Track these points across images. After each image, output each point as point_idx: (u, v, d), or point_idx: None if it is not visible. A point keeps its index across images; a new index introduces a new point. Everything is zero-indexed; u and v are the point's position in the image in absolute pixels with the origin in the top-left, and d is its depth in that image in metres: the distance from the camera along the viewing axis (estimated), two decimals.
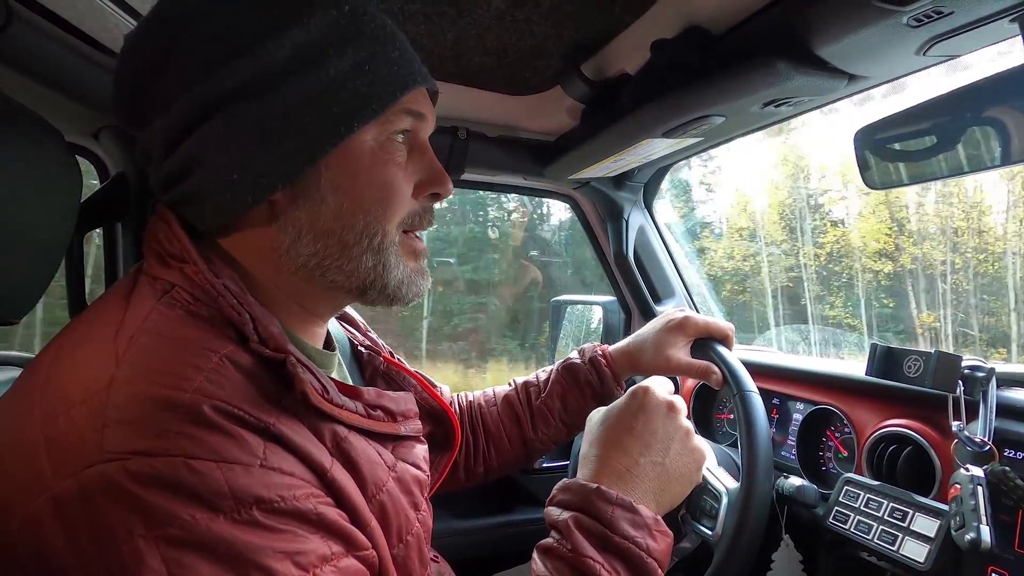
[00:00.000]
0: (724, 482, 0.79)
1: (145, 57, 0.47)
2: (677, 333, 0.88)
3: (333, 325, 0.71)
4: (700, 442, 0.66)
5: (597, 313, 1.52)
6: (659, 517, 0.57)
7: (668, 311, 0.93)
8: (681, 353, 0.87)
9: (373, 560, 0.45)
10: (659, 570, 0.54)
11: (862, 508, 0.74)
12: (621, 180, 1.25)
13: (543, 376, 0.93)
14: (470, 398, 0.95)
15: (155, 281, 0.47)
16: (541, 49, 0.86)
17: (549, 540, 0.56)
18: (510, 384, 0.95)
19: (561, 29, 0.81)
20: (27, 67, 0.65)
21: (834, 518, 0.76)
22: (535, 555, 0.55)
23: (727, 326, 0.89)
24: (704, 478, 0.80)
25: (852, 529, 0.73)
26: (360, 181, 0.50)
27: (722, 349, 0.85)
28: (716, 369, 0.83)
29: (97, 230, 0.98)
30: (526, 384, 0.93)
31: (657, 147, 0.95)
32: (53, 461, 0.36)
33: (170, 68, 0.46)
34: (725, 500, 0.77)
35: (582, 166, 1.07)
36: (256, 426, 0.41)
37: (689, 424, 0.66)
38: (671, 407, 0.65)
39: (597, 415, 0.68)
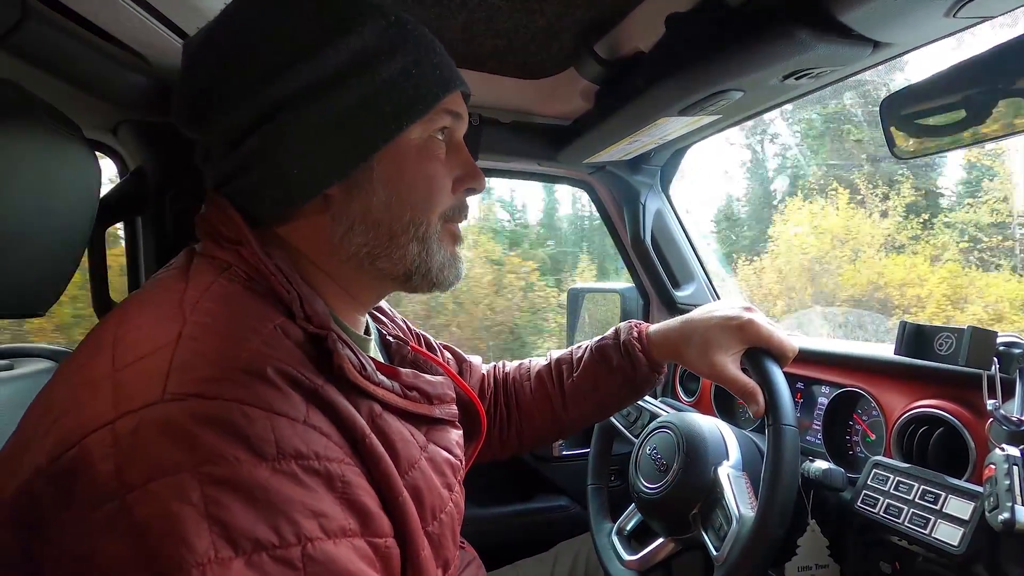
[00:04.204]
0: (740, 506, 0.75)
1: (211, 63, 0.51)
2: (734, 336, 0.78)
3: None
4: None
5: (615, 300, 1.51)
6: None
7: (734, 305, 0.81)
8: (730, 360, 0.77)
9: (385, 550, 0.45)
10: None
11: (892, 491, 0.72)
12: (637, 163, 1.23)
13: (578, 353, 0.90)
14: (506, 370, 0.94)
15: (213, 260, 0.51)
16: (553, 30, 0.85)
17: None
18: (546, 358, 0.93)
19: (573, 9, 0.79)
20: (45, 62, 0.66)
21: (863, 502, 0.74)
22: None
23: (790, 346, 0.78)
24: (722, 490, 0.77)
25: (882, 513, 0.71)
26: (407, 176, 0.54)
27: (774, 369, 0.74)
28: (761, 398, 0.73)
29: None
30: (559, 361, 0.91)
31: (674, 126, 0.93)
32: (118, 399, 0.38)
33: (235, 73, 0.50)
34: (736, 527, 0.73)
35: (597, 149, 1.06)
36: (304, 386, 0.43)
37: None
38: None
39: None
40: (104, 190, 0.76)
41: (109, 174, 0.92)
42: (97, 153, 0.77)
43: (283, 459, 0.39)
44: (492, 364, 0.96)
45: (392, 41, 0.52)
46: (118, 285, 0.98)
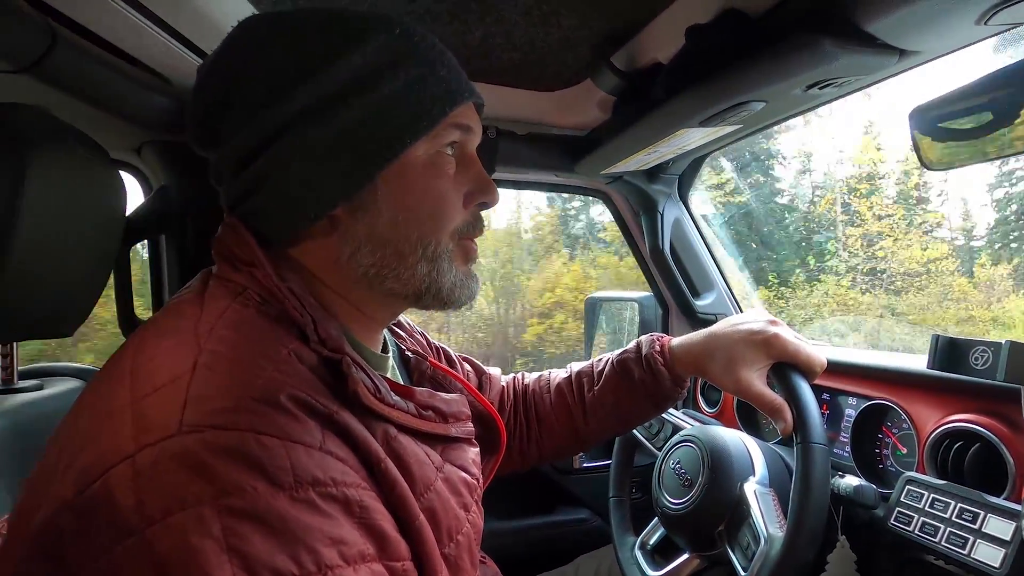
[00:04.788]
0: (768, 525, 0.72)
1: (216, 86, 0.51)
2: (759, 351, 0.75)
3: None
4: None
5: (633, 309, 1.49)
6: None
7: (758, 318, 0.79)
8: (756, 376, 0.75)
9: (403, 574, 0.45)
10: None
11: (926, 509, 0.70)
12: (655, 173, 1.22)
13: (599, 366, 0.89)
14: (525, 382, 0.93)
15: (228, 283, 0.50)
16: (569, 42, 0.85)
17: None
18: (566, 370, 0.92)
19: (590, 21, 0.79)
20: (72, 87, 0.67)
21: (896, 519, 0.72)
22: None
23: (819, 361, 0.75)
24: (749, 507, 0.75)
25: (917, 532, 0.69)
26: (414, 193, 0.53)
27: (802, 385, 0.72)
28: (789, 415, 0.71)
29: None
30: (580, 374, 0.90)
31: (693, 137, 0.92)
32: (137, 432, 0.38)
33: (239, 96, 0.50)
34: (764, 547, 0.71)
35: (615, 160, 1.05)
36: (319, 412, 0.43)
37: None
38: None
39: None
40: (128, 209, 0.78)
41: (133, 193, 0.93)
42: (122, 172, 0.78)
43: (301, 487, 0.39)
44: (511, 376, 0.95)
45: (395, 56, 0.50)
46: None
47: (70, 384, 0.79)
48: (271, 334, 0.46)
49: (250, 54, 0.50)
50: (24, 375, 0.78)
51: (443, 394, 0.58)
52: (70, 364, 0.84)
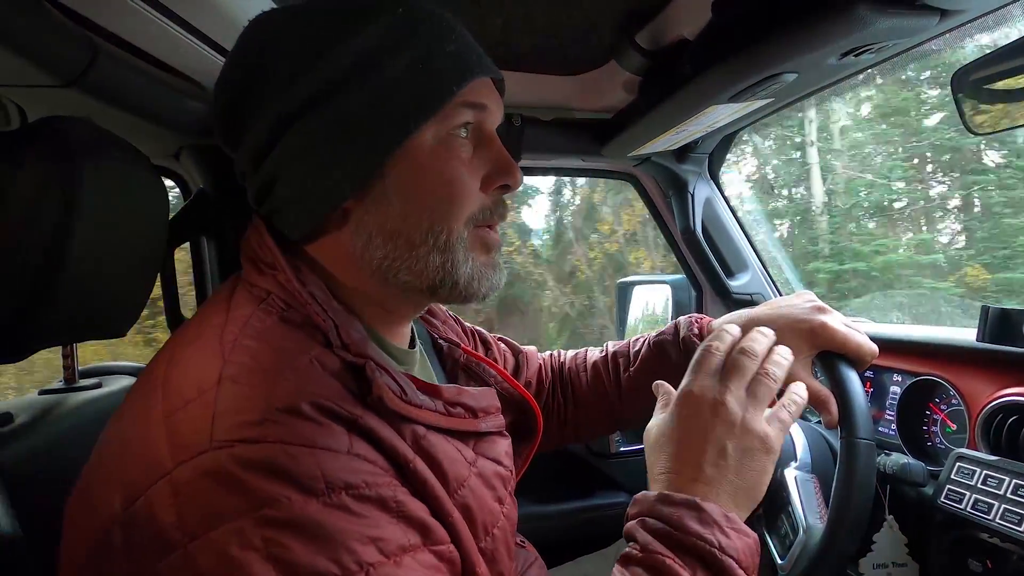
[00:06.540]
0: (808, 515, 0.70)
1: (230, 85, 0.51)
2: (805, 341, 0.70)
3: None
4: (763, 427, 0.54)
5: (665, 292, 1.48)
6: (732, 515, 0.50)
7: (803, 304, 0.73)
8: (800, 366, 0.69)
9: (450, 556, 0.46)
10: (739, 568, 0.47)
11: (979, 486, 0.68)
12: (684, 152, 1.19)
13: (635, 347, 0.87)
14: (562, 359, 0.93)
15: (253, 288, 0.50)
16: (592, 24, 0.84)
17: (626, 549, 0.52)
18: (601, 350, 0.91)
19: (612, 1, 0.78)
20: (113, 97, 0.70)
21: (947, 497, 0.70)
22: (615, 569, 0.51)
23: (869, 349, 0.69)
24: (788, 495, 0.73)
25: (969, 509, 0.67)
26: (422, 181, 0.50)
27: (849, 376, 0.67)
28: (834, 407, 0.66)
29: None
30: (616, 354, 0.88)
31: (722, 113, 0.90)
32: (172, 450, 0.39)
33: (251, 92, 0.50)
34: (802, 537, 0.69)
35: (643, 141, 1.04)
36: (344, 418, 0.43)
37: (739, 422, 0.53)
38: (714, 406, 0.54)
39: (652, 431, 0.59)
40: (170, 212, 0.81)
41: (173, 196, 0.97)
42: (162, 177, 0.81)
43: (333, 492, 0.39)
44: (548, 353, 0.95)
45: (397, 37, 0.48)
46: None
47: (124, 382, 0.83)
48: (293, 342, 0.46)
49: (258, 50, 0.50)
50: (84, 374, 0.82)
51: (471, 389, 0.57)
52: (126, 363, 0.88)
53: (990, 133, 0.60)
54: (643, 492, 0.54)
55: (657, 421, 0.59)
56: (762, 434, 0.53)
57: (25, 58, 0.55)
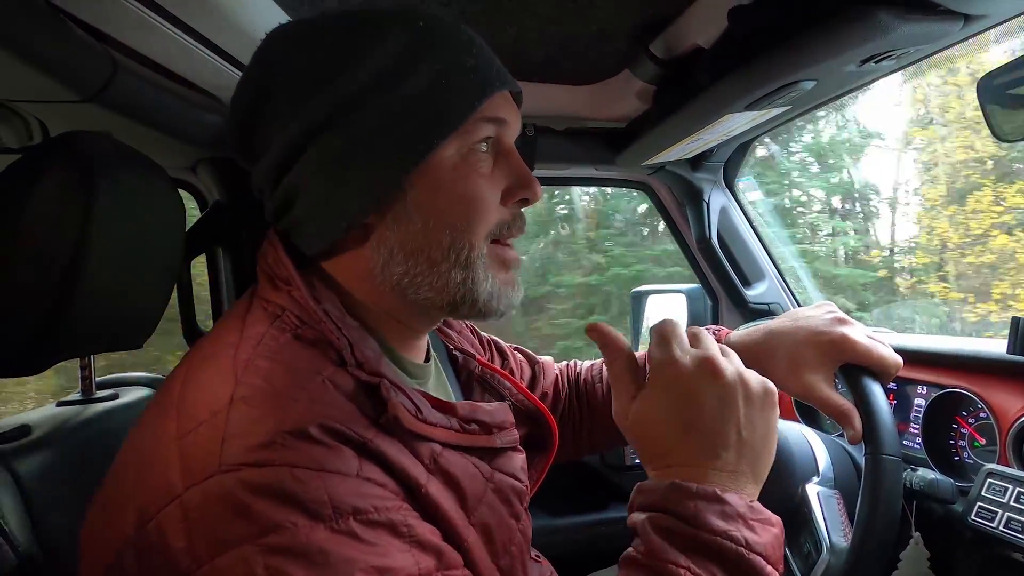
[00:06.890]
0: (832, 534, 0.68)
1: (247, 101, 0.51)
2: (826, 354, 0.67)
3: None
4: (756, 375, 0.52)
5: (680, 301, 1.46)
6: (755, 503, 0.46)
7: (823, 315, 0.71)
8: (821, 379, 0.67)
9: None
10: (767, 566, 0.44)
11: (1012, 504, 0.65)
12: (698, 161, 1.19)
13: None
14: (578, 369, 0.92)
15: (267, 304, 0.50)
16: (606, 34, 0.83)
17: (629, 549, 0.48)
18: None
19: (625, 10, 0.77)
20: (132, 111, 0.71)
21: (977, 515, 0.67)
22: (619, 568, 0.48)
23: (893, 361, 0.67)
24: (811, 512, 0.71)
25: (1001, 528, 0.65)
26: (444, 197, 0.50)
27: (873, 389, 0.65)
28: (858, 422, 0.64)
29: None
30: None
31: (738, 122, 0.89)
32: (183, 472, 0.39)
33: (267, 110, 0.50)
34: (826, 556, 0.66)
35: (657, 150, 1.03)
36: (354, 441, 0.42)
37: (733, 374, 0.50)
38: (714, 373, 0.50)
39: (632, 414, 0.53)
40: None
41: (190, 208, 0.98)
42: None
43: (341, 518, 0.38)
44: (565, 363, 0.94)
45: (415, 53, 0.48)
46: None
47: (141, 393, 0.84)
48: (307, 362, 0.46)
49: (275, 65, 0.50)
50: (100, 386, 0.83)
51: (485, 405, 0.57)
52: (142, 375, 0.89)
53: (1018, 139, 0.58)
54: (649, 481, 0.49)
55: (636, 403, 0.52)
56: (759, 380, 0.51)
57: (47, 74, 0.56)
